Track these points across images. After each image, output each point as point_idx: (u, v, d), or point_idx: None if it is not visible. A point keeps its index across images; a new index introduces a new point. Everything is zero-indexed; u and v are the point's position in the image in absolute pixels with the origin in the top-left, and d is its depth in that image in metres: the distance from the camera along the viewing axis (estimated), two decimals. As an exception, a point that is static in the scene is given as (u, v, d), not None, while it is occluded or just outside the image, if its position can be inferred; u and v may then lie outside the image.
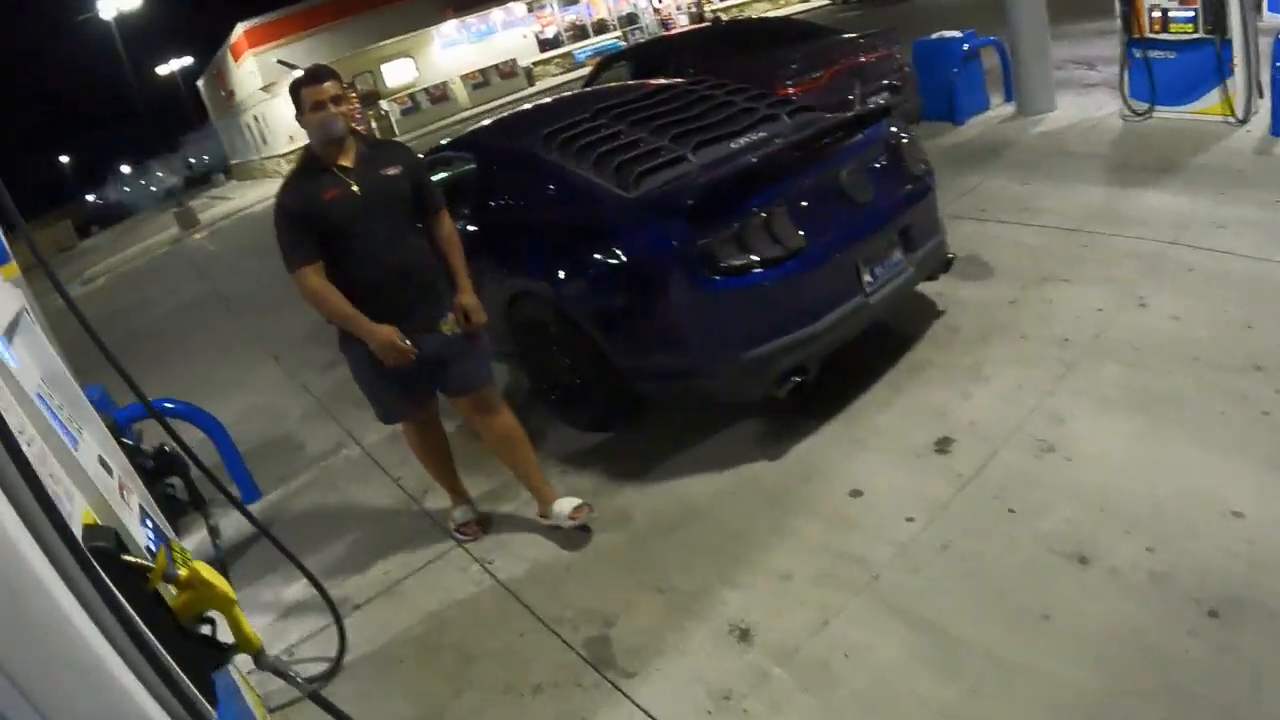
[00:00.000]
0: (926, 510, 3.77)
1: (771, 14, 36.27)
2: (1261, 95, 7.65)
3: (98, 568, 1.85)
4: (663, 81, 6.09)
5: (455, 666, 3.73)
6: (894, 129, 5.03)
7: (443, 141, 6.04)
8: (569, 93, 6.69)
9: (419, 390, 4.19)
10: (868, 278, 4.53)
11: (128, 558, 2.08)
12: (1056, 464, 3.88)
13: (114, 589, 1.85)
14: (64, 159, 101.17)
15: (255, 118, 42.90)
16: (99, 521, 2.18)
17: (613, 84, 7.15)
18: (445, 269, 4.12)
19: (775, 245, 4.20)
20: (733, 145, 4.81)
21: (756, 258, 4.16)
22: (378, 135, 34.95)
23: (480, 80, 38.30)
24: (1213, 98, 7.99)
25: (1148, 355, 4.50)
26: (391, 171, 3.93)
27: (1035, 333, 4.96)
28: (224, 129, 55.24)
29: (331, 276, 3.83)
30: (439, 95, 37.67)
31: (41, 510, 1.75)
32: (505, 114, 6.26)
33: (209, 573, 2.28)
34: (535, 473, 4.39)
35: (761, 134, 4.95)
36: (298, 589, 4.46)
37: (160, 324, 14.44)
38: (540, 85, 36.89)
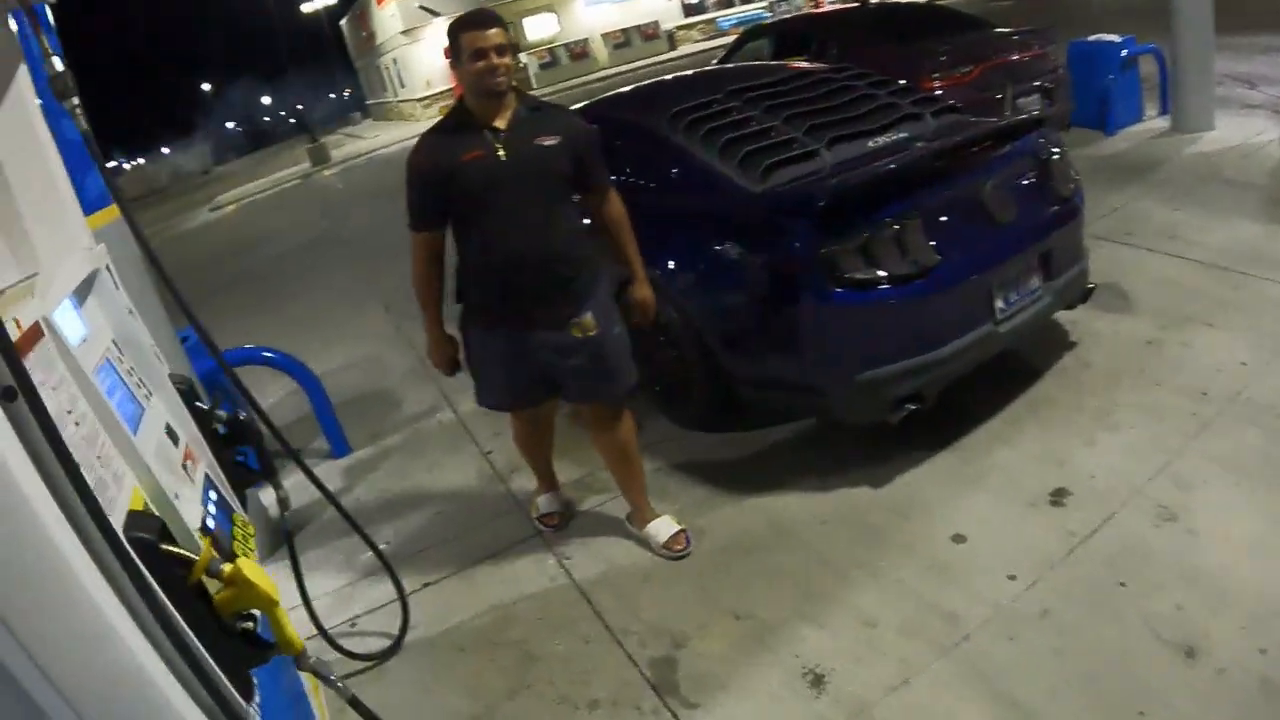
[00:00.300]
0: (1031, 569, 3.45)
1: (921, -1, 35.36)
2: None
3: (136, 560, 1.79)
4: (803, 65, 5.79)
5: (515, 665, 3.59)
6: (1045, 141, 4.65)
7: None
8: (704, 68, 6.42)
9: (532, 389, 3.85)
10: (1000, 304, 4.19)
11: (171, 548, 2.00)
12: (1177, 536, 3.50)
13: (151, 582, 1.79)
14: (206, 86, 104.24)
15: (394, 60, 43.63)
16: (148, 504, 2.12)
17: (750, 63, 6.86)
18: (593, 262, 3.68)
19: (905, 261, 3.88)
20: (870, 144, 4.50)
21: (884, 273, 3.85)
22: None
23: (621, 40, 38.31)
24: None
25: (1290, 424, 4.08)
26: (548, 142, 3.45)
27: (1171, 380, 4.54)
28: (363, 69, 56.50)
29: (462, 251, 3.61)
30: (579, 52, 37.80)
31: (80, 501, 1.69)
32: (634, 86, 6.03)
33: (253, 571, 2.17)
34: (639, 488, 4.11)
35: (902, 134, 4.62)
36: (371, 557, 4.34)
37: (280, 260, 14.74)
38: (682, 50, 36.65)
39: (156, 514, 2.13)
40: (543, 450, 4.35)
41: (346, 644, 3.79)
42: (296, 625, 3.43)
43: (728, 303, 4.29)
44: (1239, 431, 4.07)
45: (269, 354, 5.60)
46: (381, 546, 4.51)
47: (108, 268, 2.89)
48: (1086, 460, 4.05)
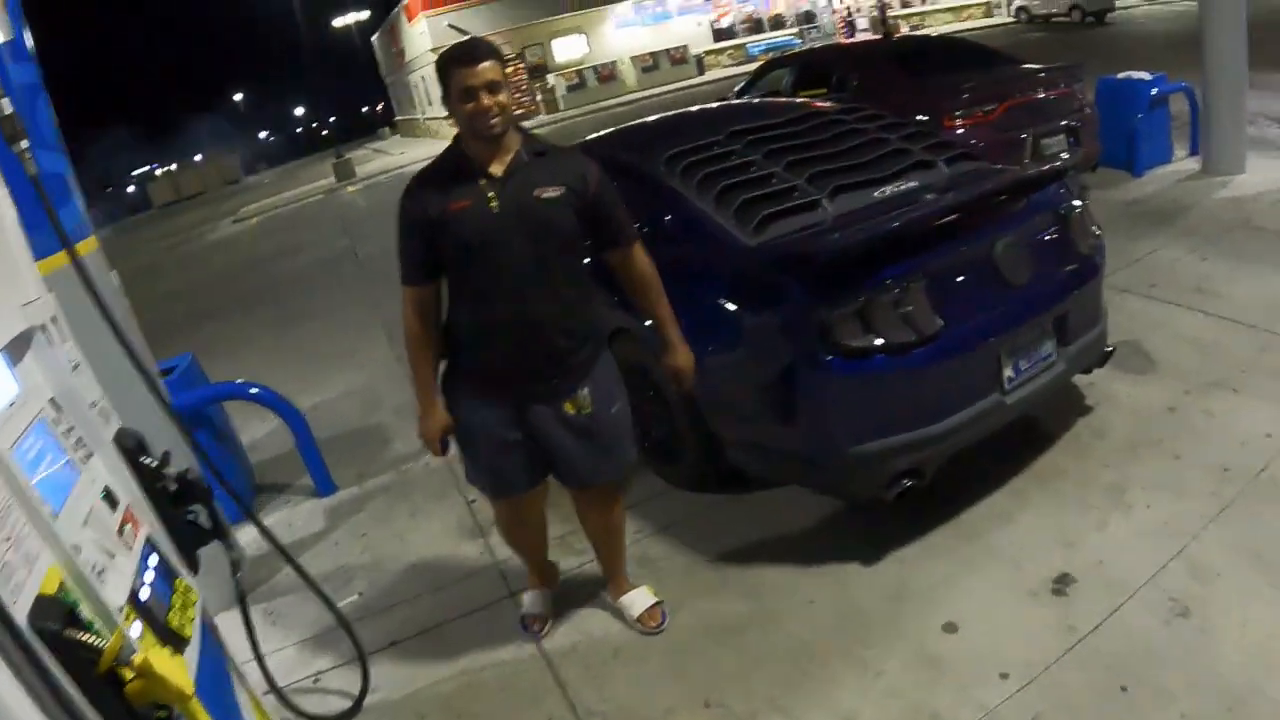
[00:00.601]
0: (1026, 667, 3.17)
1: (951, 29, 35.23)
2: None
3: (39, 650, 1.74)
4: (813, 104, 5.55)
5: (475, 741, 3.37)
6: (1065, 193, 4.38)
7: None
8: (708, 105, 6.18)
9: (522, 471, 3.42)
10: (1009, 373, 3.93)
11: (77, 636, 1.89)
12: (1188, 635, 3.21)
13: (56, 673, 1.76)
14: (239, 96, 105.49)
15: (423, 77, 44.17)
16: (65, 583, 2.01)
17: (757, 100, 6.60)
18: (596, 332, 3.34)
19: (905, 328, 3.61)
20: (876, 194, 4.25)
21: (881, 340, 3.58)
22: (542, 109, 35.64)
23: (650, 64, 38.34)
24: None
25: (1318, 507, 3.79)
26: (548, 194, 3.05)
27: (1191, 454, 4.25)
28: (393, 85, 57.33)
29: (452, 307, 3.24)
30: (607, 75, 37.92)
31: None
32: (633, 123, 5.81)
33: (163, 664, 2.05)
34: (619, 560, 3.84)
35: (912, 184, 4.37)
36: (344, 607, 4.16)
37: (292, 278, 14.79)
38: (710, 75, 36.65)
39: (70, 597, 2.01)
40: (535, 540, 3.90)
41: (307, 701, 3.66)
42: (251, 681, 3.28)
43: (717, 362, 4.01)
44: (1261, 514, 3.78)
45: (255, 390, 5.51)
46: (354, 598, 4.43)
47: (52, 320, 2.74)
48: (1095, 543, 3.77)
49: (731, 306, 3.95)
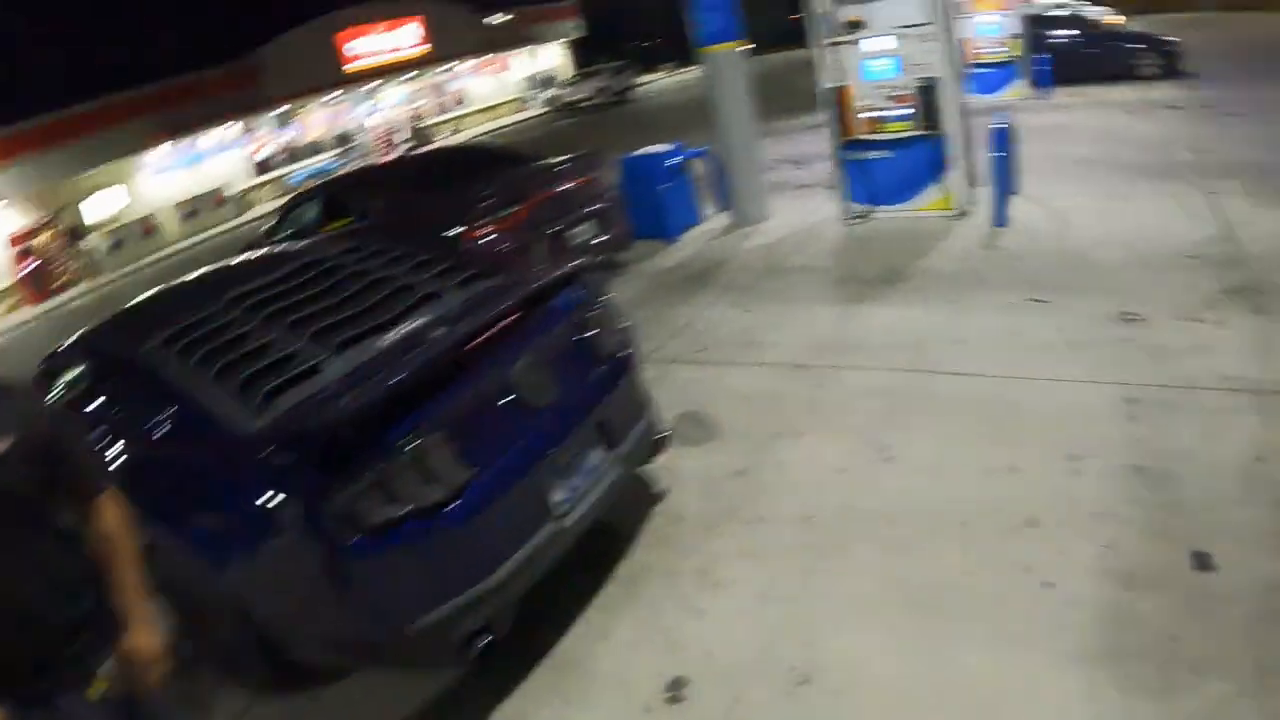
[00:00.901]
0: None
1: (487, 128, 36.29)
2: (978, 185, 8.08)
3: None
4: (313, 250, 5.08)
5: None
6: (583, 293, 4.28)
7: (57, 348, 4.84)
8: (209, 267, 5.52)
9: None
10: (559, 496, 3.71)
11: None
12: (818, 701, 3.14)
13: None
14: None
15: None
16: None
17: (256, 255, 6.01)
18: (95, 597, 2.54)
19: (432, 485, 3.28)
20: (383, 342, 3.90)
21: (407, 507, 3.22)
22: (85, 276, 32.07)
23: (191, 210, 36.02)
24: (932, 193, 8.28)
25: (904, 527, 3.92)
26: None
27: (771, 512, 4.28)
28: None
29: None
30: (148, 228, 35.10)
31: None
32: (128, 305, 5.07)
33: None
34: None
35: (421, 320, 4.06)
36: None
37: None
38: (255, 212, 35.05)
39: None
40: None
41: None
42: None
43: (248, 565, 3.50)
44: (851, 553, 3.86)
45: None
46: None
47: None
48: (699, 635, 3.64)
49: (247, 502, 3.38)
